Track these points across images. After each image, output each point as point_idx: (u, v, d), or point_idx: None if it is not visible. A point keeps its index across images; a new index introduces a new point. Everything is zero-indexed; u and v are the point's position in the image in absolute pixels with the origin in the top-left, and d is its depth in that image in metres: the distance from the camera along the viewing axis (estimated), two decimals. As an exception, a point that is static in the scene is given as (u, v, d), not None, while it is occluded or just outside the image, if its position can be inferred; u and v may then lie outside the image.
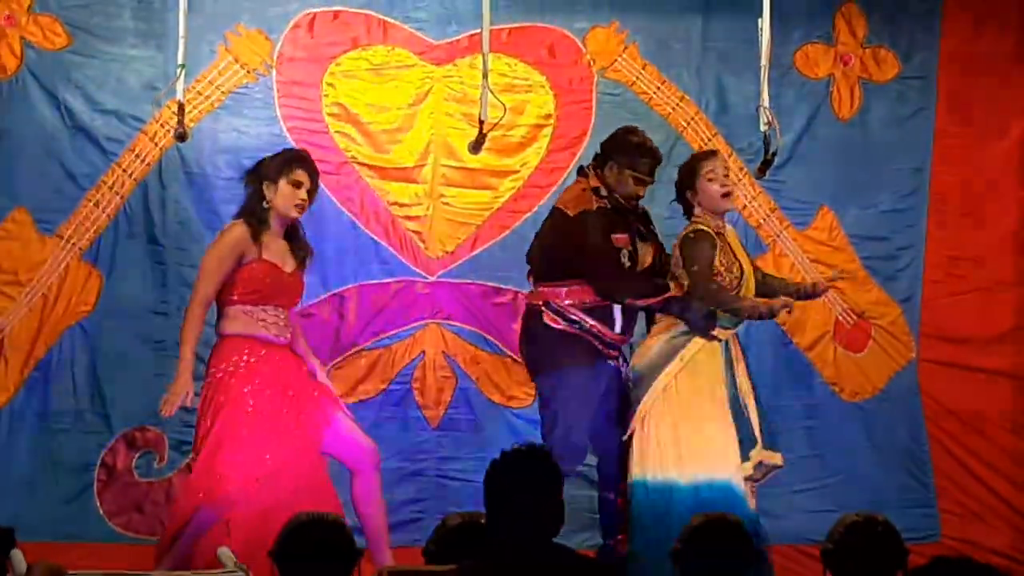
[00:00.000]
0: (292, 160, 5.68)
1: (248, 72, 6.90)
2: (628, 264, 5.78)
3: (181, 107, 5.73)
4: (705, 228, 5.73)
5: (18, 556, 4.52)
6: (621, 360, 5.90)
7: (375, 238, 6.98)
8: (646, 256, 5.89)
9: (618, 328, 5.81)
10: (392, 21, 7.04)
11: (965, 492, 7.29)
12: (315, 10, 6.98)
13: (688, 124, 7.21)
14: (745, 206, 7.25)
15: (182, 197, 6.77)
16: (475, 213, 7.03)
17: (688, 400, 5.64)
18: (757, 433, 5.70)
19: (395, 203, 6.99)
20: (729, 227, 5.93)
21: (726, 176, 5.80)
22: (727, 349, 5.77)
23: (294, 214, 5.64)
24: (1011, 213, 7.48)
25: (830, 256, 7.33)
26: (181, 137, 5.79)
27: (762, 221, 7.28)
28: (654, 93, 7.20)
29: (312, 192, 5.69)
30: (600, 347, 5.79)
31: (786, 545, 6.84)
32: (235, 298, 5.55)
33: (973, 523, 7.24)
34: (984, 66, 7.44)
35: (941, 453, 7.30)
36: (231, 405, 5.45)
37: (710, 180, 5.76)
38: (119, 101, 6.75)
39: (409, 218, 7.00)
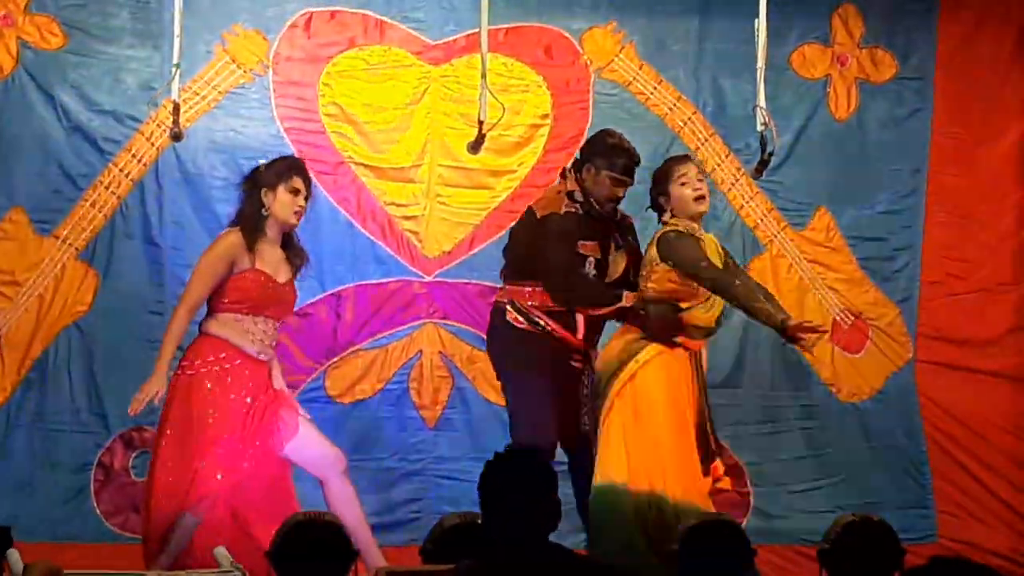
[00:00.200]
0: (291, 167, 5.68)
1: (245, 72, 6.90)
2: (594, 272, 5.74)
3: (176, 107, 5.72)
4: (679, 228, 5.68)
5: (15, 556, 4.53)
6: (587, 365, 5.87)
7: (372, 238, 6.98)
8: (617, 266, 5.85)
9: (580, 334, 5.78)
10: (389, 21, 7.04)
11: (962, 493, 7.29)
12: (312, 10, 6.98)
13: (685, 124, 7.21)
14: (742, 207, 7.26)
15: (178, 197, 6.77)
16: (472, 213, 7.03)
17: (641, 405, 5.56)
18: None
19: (392, 203, 6.99)
20: (708, 235, 5.87)
21: (700, 180, 5.75)
22: (697, 359, 5.70)
23: (293, 221, 5.65)
24: (1008, 214, 7.49)
25: (828, 257, 7.33)
26: (177, 137, 5.78)
27: (759, 222, 7.28)
28: (651, 93, 7.20)
29: (308, 199, 5.69)
30: (562, 349, 5.77)
31: (783, 545, 6.86)
32: (227, 306, 5.55)
33: (970, 524, 7.24)
34: (981, 67, 7.45)
35: (938, 454, 7.30)
36: (201, 405, 5.45)
37: (683, 184, 5.72)
38: (116, 101, 6.74)
39: (406, 218, 7.00)
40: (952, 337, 7.39)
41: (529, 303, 5.75)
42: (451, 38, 7.03)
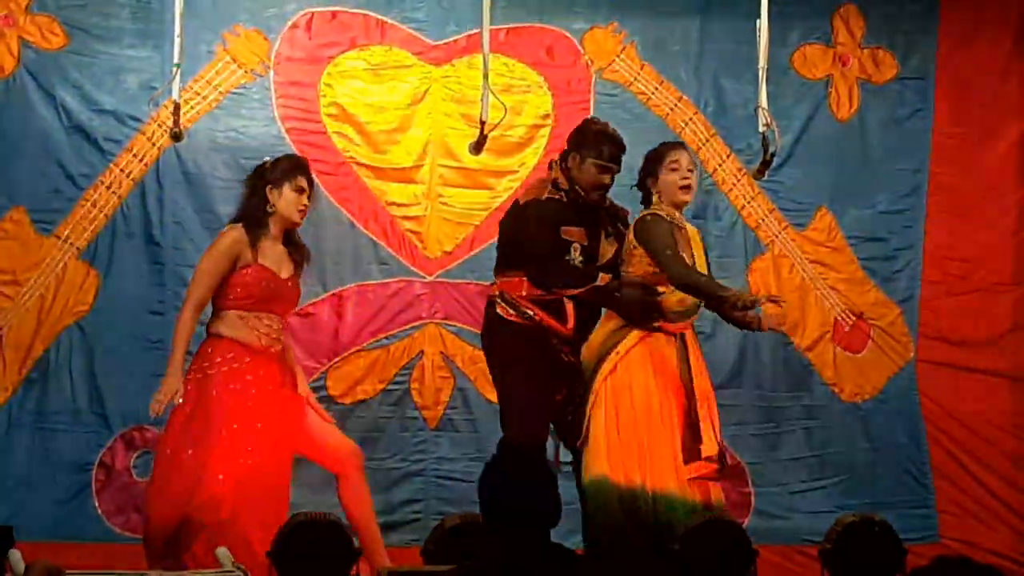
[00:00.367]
0: (296, 166, 5.70)
1: (246, 72, 6.90)
2: (580, 258, 5.72)
3: (177, 107, 5.72)
4: (658, 212, 5.64)
5: (16, 556, 4.53)
6: (578, 358, 5.85)
7: (373, 238, 6.98)
8: (606, 253, 5.81)
9: (570, 324, 5.75)
10: (390, 21, 7.04)
11: (963, 493, 7.29)
12: (313, 10, 6.98)
13: (686, 125, 7.21)
14: (744, 207, 7.26)
15: (180, 197, 6.77)
16: (473, 213, 7.03)
17: (622, 397, 5.51)
18: (709, 434, 5.51)
19: (393, 203, 6.99)
20: (690, 226, 5.83)
21: (690, 170, 5.70)
22: (683, 343, 5.64)
23: (297, 219, 5.66)
24: (1010, 214, 7.49)
25: (829, 257, 7.33)
26: (176, 137, 5.78)
27: (761, 222, 7.28)
28: (652, 94, 7.20)
29: (311, 199, 5.71)
30: (552, 340, 5.75)
31: (784, 546, 6.86)
32: (231, 303, 5.55)
33: (971, 524, 7.24)
34: (982, 67, 7.45)
35: (939, 454, 7.30)
36: (212, 407, 5.45)
37: (672, 170, 5.67)
38: (117, 101, 6.75)
39: (407, 218, 7.00)
40: (953, 337, 7.39)
41: (518, 294, 5.71)
42: (452, 38, 7.03)
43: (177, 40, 5.67)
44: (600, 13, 7.19)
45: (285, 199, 5.62)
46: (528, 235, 5.70)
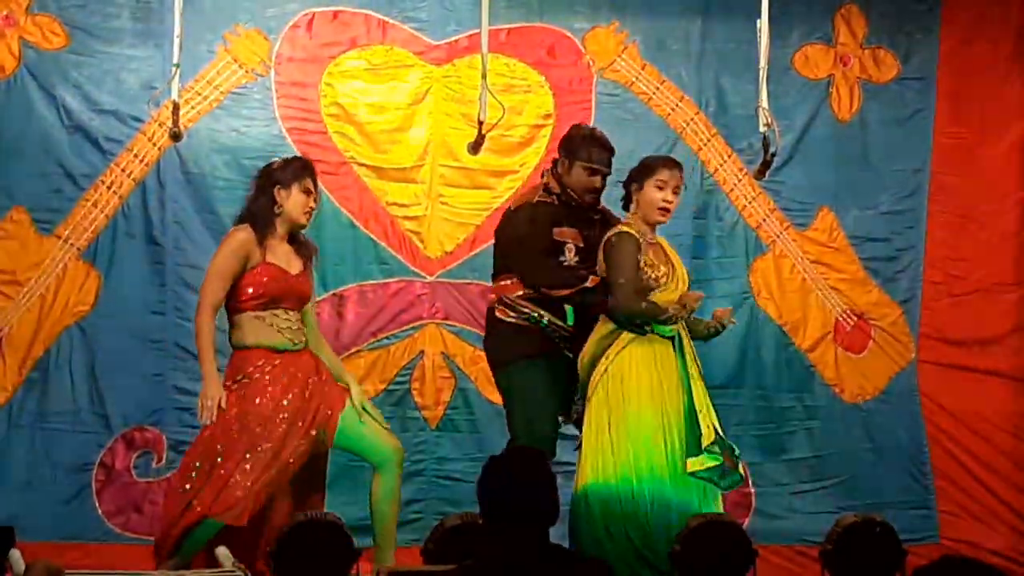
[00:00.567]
0: (304, 168, 5.70)
1: (247, 72, 6.90)
2: (576, 259, 5.73)
3: (176, 107, 5.72)
4: (628, 231, 5.60)
5: (16, 556, 4.53)
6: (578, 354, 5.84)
7: (374, 238, 6.98)
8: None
9: (571, 320, 5.77)
10: (391, 21, 7.04)
11: (964, 493, 7.28)
12: (314, 10, 6.98)
13: (687, 125, 7.21)
14: (745, 207, 7.25)
15: (180, 197, 6.76)
16: (474, 213, 7.03)
17: (613, 401, 5.50)
18: (707, 424, 5.47)
19: (394, 203, 6.99)
20: (661, 238, 5.75)
21: (675, 194, 5.66)
22: (679, 347, 5.60)
23: (303, 221, 5.66)
24: (1010, 214, 7.48)
25: (830, 257, 7.33)
26: (176, 137, 5.78)
27: (762, 222, 7.28)
28: (653, 93, 7.20)
29: (317, 200, 5.73)
30: (553, 337, 5.76)
31: (785, 546, 6.85)
32: (244, 304, 5.55)
33: (972, 524, 7.24)
34: (983, 67, 7.44)
35: (940, 454, 7.29)
36: (242, 416, 5.45)
37: (658, 188, 5.63)
38: (117, 101, 6.75)
39: (408, 218, 7.00)
40: (954, 337, 7.38)
41: (515, 295, 5.74)
42: (453, 38, 7.03)
43: (177, 40, 5.68)
44: (601, 13, 7.19)
45: (293, 200, 5.62)
46: (519, 236, 5.75)
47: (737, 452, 5.56)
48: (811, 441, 7.23)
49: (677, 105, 7.22)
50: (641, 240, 5.58)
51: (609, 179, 5.87)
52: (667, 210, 5.66)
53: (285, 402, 5.46)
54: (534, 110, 7.10)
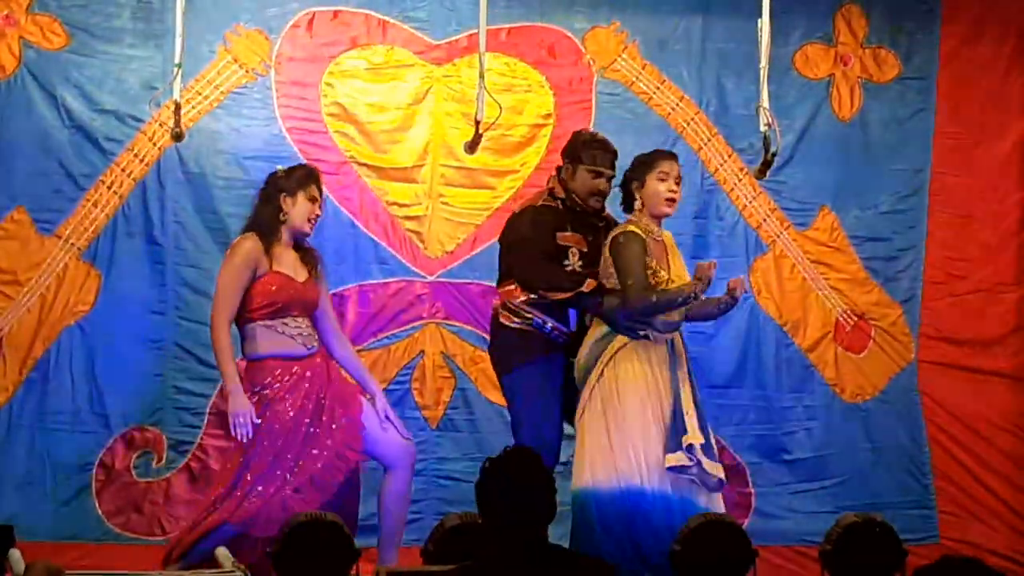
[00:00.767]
0: (310, 175, 5.75)
1: (247, 72, 6.90)
2: (579, 263, 5.76)
3: (178, 107, 5.72)
4: (635, 230, 5.62)
5: (16, 556, 4.54)
6: None
7: (374, 238, 6.98)
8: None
9: (574, 324, 5.80)
10: (392, 21, 7.04)
11: (964, 493, 7.28)
12: (314, 10, 6.98)
13: (688, 124, 7.20)
14: (745, 207, 7.25)
15: (181, 197, 6.76)
16: (474, 213, 7.03)
17: (607, 405, 5.51)
18: (693, 424, 5.48)
19: (394, 203, 6.99)
20: (667, 232, 5.81)
21: (677, 183, 5.70)
22: (672, 350, 5.63)
23: (307, 229, 5.70)
24: (1011, 214, 7.48)
25: (831, 257, 7.32)
26: (178, 137, 5.79)
27: (762, 222, 7.27)
28: (654, 93, 7.20)
29: (322, 208, 5.78)
30: (558, 344, 5.77)
31: (784, 546, 6.85)
32: (254, 314, 5.56)
33: (972, 524, 7.23)
34: (983, 67, 7.44)
35: (940, 454, 7.29)
36: (264, 426, 5.46)
37: (661, 180, 5.66)
38: (118, 101, 6.74)
39: (408, 218, 7.00)
40: (954, 337, 7.38)
41: (518, 300, 5.76)
42: (453, 38, 7.03)
43: (179, 40, 5.68)
44: (601, 12, 7.19)
45: (299, 208, 5.65)
46: (520, 238, 5.78)
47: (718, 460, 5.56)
48: (811, 441, 7.23)
49: (677, 105, 7.21)
50: (648, 239, 5.60)
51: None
52: (673, 200, 5.70)
53: (305, 410, 5.48)
54: (534, 110, 7.10)
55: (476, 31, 6.00)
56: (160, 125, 6.68)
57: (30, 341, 6.59)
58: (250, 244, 5.60)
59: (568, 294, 5.67)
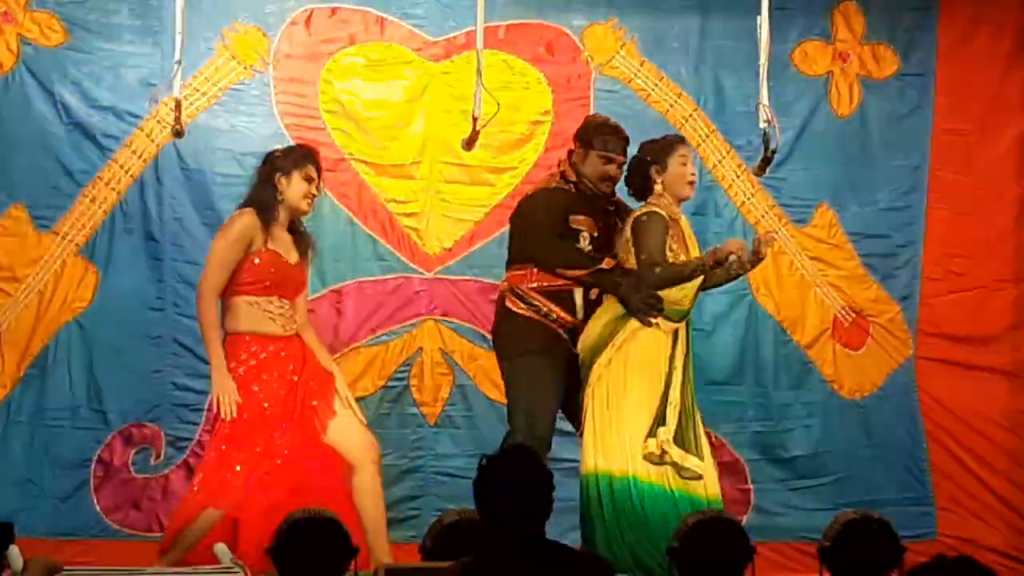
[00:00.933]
0: (306, 155, 5.78)
1: (245, 69, 6.90)
2: (589, 247, 5.77)
3: (178, 104, 5.72)
4: (659, 211, 5.70)
5: (15, 552, 4.53)
6: None
7: (373, 235, 6.98)
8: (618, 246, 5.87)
9: (580, 315, 5.80)
10: (390, 18, 7.04)
11: (962, 490, 7.28)
12: (312, 7, 6.98)
13: (686, 121, 7.20)
14: (743, 203, 7.25)
15: (179, 193, 6.77)
16: (473, 210, 7.03)
17: (612, 391, 5.55)
18: (672, 421, 5.55)
19: (392, 200, 6.99)
20: (684, 216, 5.89)
21: (694, 166, 5.87)
22: (675, 341, 5.66)
23: (305, 207, 5.74)
24: (1009, 211, 7.47)
25: (829, 253, 7.32)
26: (178, 134, 5.79)
27: (761, 218, 7.27)
28: (652, 90, 7.20)
29: (319, 188, 5.77)
30: (561, 333, 5.78)
31: (783, 543, 6.85)
32: (241, 288, 5.58)
33: (970, 521, 7.23)
34: (982, 63, 7.43)
35: (938, 451, 7.29)
36: (251, 403, 5.47)
37: (683, 164, 5.79)
38: (116, 97, 6.75)
39: (407, 215, 7.00)
40: (952, 334, 7.38)
41: (527, 286, 5.77)
42: (451, 35, 7.03)
43: (179, 37, 5.67)
44: (599, 9, 7.19)
45: (294, 187, 5.69)
46: (534, 219, 5.80)
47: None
48: (809, 437, 7.23)
49: (676, 101, 7.21)
50: (669, 221, 5.67)
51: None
52: (694, 183, 5.85)
53: (279, 391, 5.49)
54: (533, 107, 7.09)
55: (474, 28, 6.00)
56: (158, 122, 6.69)
57: (28, 337, 6.60)
58: (247, 219, 5.62)
59: (586, 271, 5.69)
